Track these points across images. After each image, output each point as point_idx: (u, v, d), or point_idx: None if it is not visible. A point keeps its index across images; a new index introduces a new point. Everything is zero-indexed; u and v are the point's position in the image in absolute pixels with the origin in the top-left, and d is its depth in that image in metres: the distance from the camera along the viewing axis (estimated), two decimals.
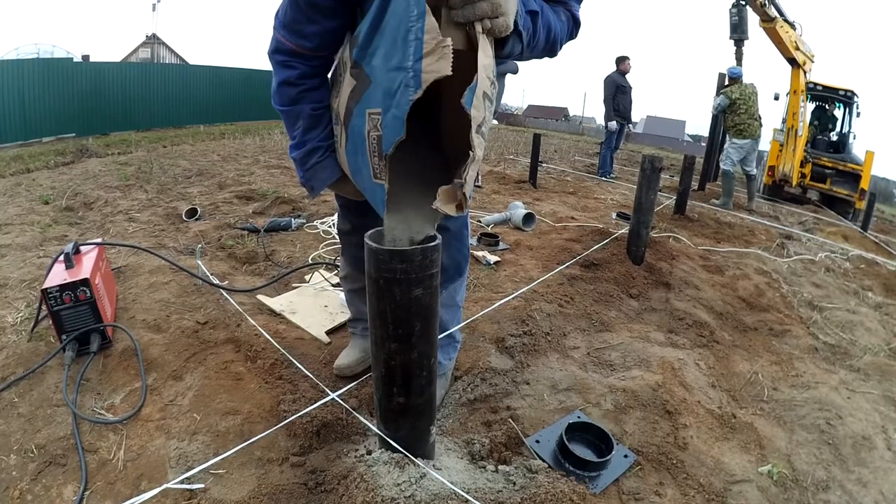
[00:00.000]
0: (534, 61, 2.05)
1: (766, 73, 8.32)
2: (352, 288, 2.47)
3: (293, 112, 1.80)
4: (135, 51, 36.11)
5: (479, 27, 1.33)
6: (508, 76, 2.12)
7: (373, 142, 1.53)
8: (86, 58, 20.36)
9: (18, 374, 2.23)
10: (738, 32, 7.89)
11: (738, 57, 8.21)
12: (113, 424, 2.03)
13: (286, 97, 1.78)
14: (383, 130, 1.45)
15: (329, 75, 1.85)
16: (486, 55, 1.35)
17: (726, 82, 8.54)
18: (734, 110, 8.13)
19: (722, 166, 8.40)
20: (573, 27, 1.81)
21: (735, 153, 8.23)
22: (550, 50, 1.74)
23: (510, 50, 1.50)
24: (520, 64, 2.08)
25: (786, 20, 8.18)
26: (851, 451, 2.37)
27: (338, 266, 3.51)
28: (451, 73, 1.31)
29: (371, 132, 1.52)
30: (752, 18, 7.92)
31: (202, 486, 1.77)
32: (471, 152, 1.35)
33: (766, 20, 7.95)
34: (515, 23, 1.41)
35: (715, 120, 10.36)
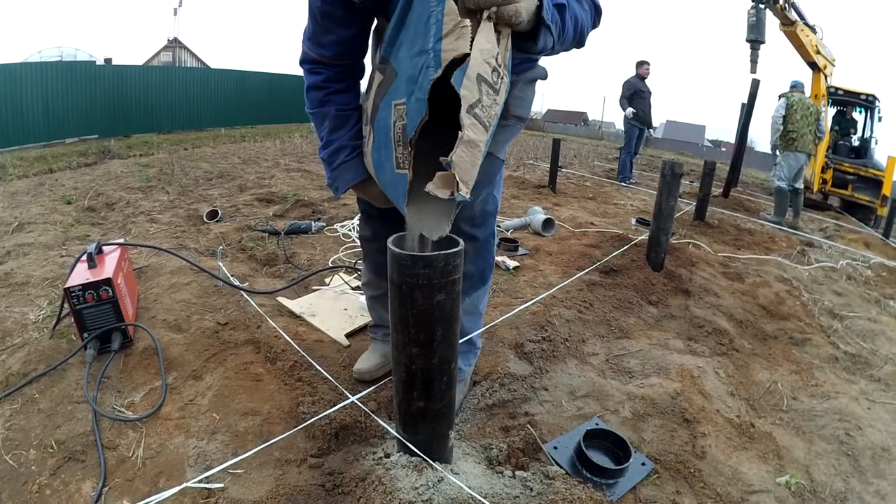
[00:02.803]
0: (550, 61, 2.05)
1: (785, 78, 8.10)
2: (373, 294, 2.48)
3: (320, 114, 1.88)
4: (157, 54, 36.47)
5: (485, 14, 1.33)
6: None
7: (398, 132, 1.55)
8: (108, 61, 20.58)
9: (40, 371, 2.26)
10: (755, 34, 7.76)
11: (754, 60, 8.07)
12: (133, 422, 2.05)
13: (314, 100, 1.88)
14: (408, 116, 1.48)
15: (363, 81, 1.91)
16: (486, 40, 1.34)
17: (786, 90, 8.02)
18: (788, 117, 7.60)
19: (776, 183, 7.81)
20: (595, 15, 1.81)
21: (787, 167, 7.72)
22: (579, 41, 1.74)
23: (543, 45, 1.49)
24: (542, 61, 2.08)
25: (806, 23, 8.10)
26: (871, 462, 2.34)
27: (358, 269, 3.52)
28: (469, 51, 1.32)
29: (397, 122, 1.54)
30: (770, 23, 7.82)
31: (221, 485, 1.78)
32: (460, 132, 1.34)
33: (787, 23, 7.87)
34: (542, 18, 1.41)
35: (744, 126, 10.25)
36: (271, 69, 21.01)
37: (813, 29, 8.34)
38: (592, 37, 1.83)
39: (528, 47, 1.51)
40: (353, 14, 1.68)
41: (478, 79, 1.35)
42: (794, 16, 7.83)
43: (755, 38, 7.80)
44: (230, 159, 9.39)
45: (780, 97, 7.80)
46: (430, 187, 1.40)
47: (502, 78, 1.44)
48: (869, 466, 2.31)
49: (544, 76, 2.09)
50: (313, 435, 2.03)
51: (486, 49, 1.34)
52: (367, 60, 1.94)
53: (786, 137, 7.70)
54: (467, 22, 1.31)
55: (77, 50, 30.37)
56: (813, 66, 8.74)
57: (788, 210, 7.82)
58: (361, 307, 3.10)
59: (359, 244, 4.28)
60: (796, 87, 7.95)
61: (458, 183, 1.37)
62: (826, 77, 9.00)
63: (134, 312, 2.70)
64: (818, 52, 8.51)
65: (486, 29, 1.35)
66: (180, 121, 15.71)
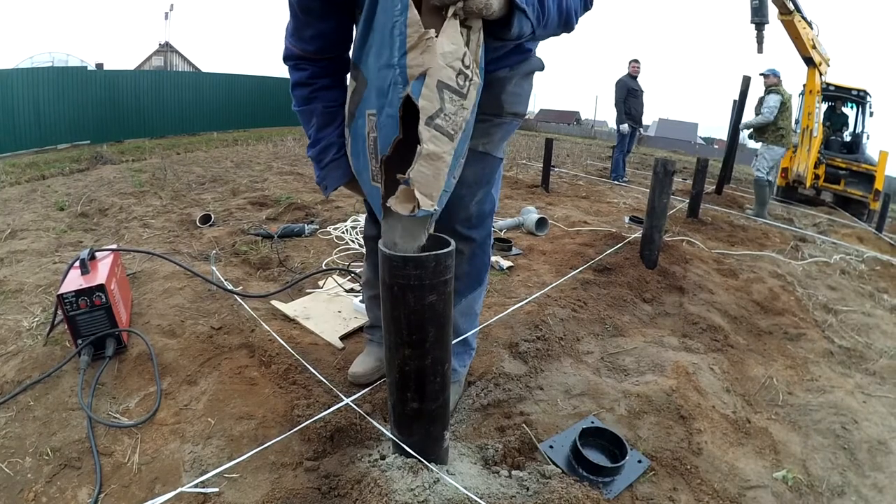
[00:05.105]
0: (544, 56, 2.02)
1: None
2: (372, 294, 2.45)
3: (307, 111, 1.86)
4: (148, 59, 36.35)
5: (450, 11, 1.30)
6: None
7: (371, 144, 1.52)
8: (100, 66, 20.43)
9: (34, 378, 2.25)
10: (759, 16, 7.81)
11: (759, 41, 8.12)
12: (128, 428, 2.04)
13: (300, 97, 1.86)
14: (379, 131, 1.45)
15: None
16: (450, 41, 1.31)
17: (766, 83, 8.07)
18: (782, 112, 7.74)
19: (756, 174, 7.96)
20: None
21: (771, 160, 7.89)
22: (566, 24, 1.66)
23: (519, 31, 1.43)
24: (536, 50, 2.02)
25: (803, 17, 8.14)
26: (867, 455, 2.34)
27: (351, 272, 3.51)
28: (435, 68, 1.29)
29: (370, 133, 1.51)
30: (773, 9, 7.87)
31: (216, 489, 1.78)
32: (419, 146, 1.32)
33: (785, 13, 7.91)
34: (515, 2, 1.36)
35: (736, 123, 10.29)
36: (263, 72, 21.00)
37: (810, 24, 8.37)
38: (588, 35, 1.79)
39: (501, 34, 1.46)
40: (330, 6, 1.65)
41: (438, 87, 1.32)
42: (791, 5, 7.86)
43: (759, 20, 7.86)
44: (223, 163, 9.37)
45: (770, 92, 7.78)
46: (392, 202, 1.39)
47: (471, 79, 1.40)
48: (866, 460, 2.32)
49: (541, 67, 2.03)
50: (308, 438, 2.03)
51: (449, 52, 1.31)
52: None
53: (775, 133, 7.82)
54: (432, 33, 1.28)
55: (68, 55, 30.37)
56: (808, 61, 8.76)
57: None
58: (356, 310, 3.10)
59: (352, 246, 4.30)
60: (777, 75, 7.99)
61: (419, 198, 1.35)
62: (821, 74, 9.02)
63: (128, 318, 2.69)
64: (814, 48, 8.54)
65: (451, 28, 1.31)
66: (172, 125, 15.66)
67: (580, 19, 1.75)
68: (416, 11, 1.28)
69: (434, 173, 1.37)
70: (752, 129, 8.09)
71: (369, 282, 2.44)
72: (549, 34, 1.66)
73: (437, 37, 1.29)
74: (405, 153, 1.41)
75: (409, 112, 1.35)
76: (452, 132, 1.39)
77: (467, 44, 1.36)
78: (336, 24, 1.72)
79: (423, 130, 1.32)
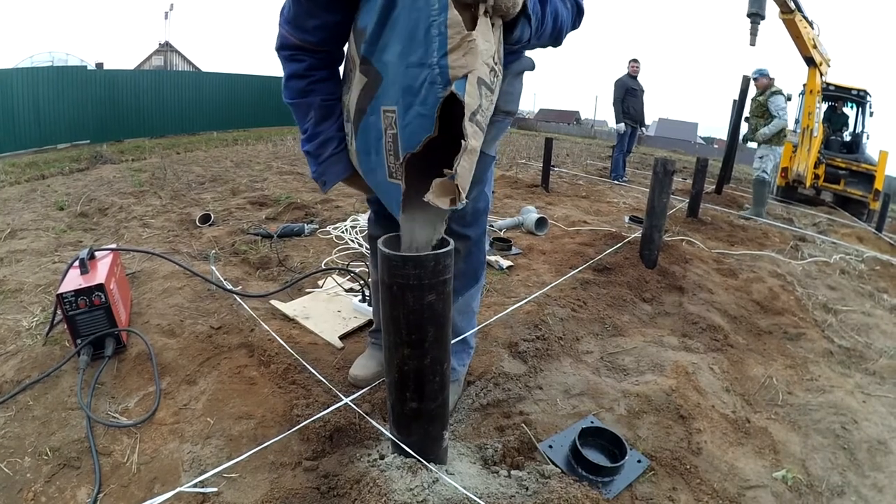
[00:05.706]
0: (542, 61, 2.02)
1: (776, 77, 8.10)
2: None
3: (303, 104, 1.79)
4: (148, 58, 36.30)
5: (481, 9, 1.30)
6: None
7: (389, 140, 1.51)
8: (99, 65, 20.41)
9: (33, 378, 2.25)
10: (756, 7, 7.84)
11: (753, 34, 8.16)
12: (127, 428, 2.04)
13: (295, 90, 1.78)
14: (405, 128, 1.44)
15: (341, 69, 1.83)
16: (484, 39, 1.31)
17: (755, 84, 8.22)
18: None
19: (761, 175, 7.82)
20: (577, 15, 1.78)
21: (775, 160, 7.97)
22: (556, 38, 1.71)
23: (519, 35, 1.46)
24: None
25: (804, 16, 8.15)
26: (867, 455, 2.34)
27: (351, 271, 3.51)
28: (478, 67, 1.29)
29: (388, 130, 1.50)
30: (771, 14, 7.88)
31: (215, 489, 1.78)
32: (463, 141, 1.32)
33: (786, 11, 7.93)
34: (525, 6, 1.38)
35: (736, 122, 10.29)
36: (263, 72, 21.03)
37: (811, 24, 8.37)
38: (588, 35, 1.80)
39: (503, 37, 1.46)
40: None
41: (478, 83, 1.32)
42: (792, 4, 7.88)
43: (756, 12, 7.88)
44: (222, 163, 9.37)
45: (772, 94, 7.82)
46: (430, 197, 1.36)
47: (498, 76, 1.42)
48: (865, 460, 2.32)
49: (532, 67, 2.03)
50: (307, 438, 2.03)
51: (485, 50, 1.31)
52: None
53: (781, 133, 7.85)
54: (473, 35, 1.27)
55: (68, 55, 30.34)
56: (809, 61, 8.76)
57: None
58: (355, 309, 3.10)
59: (351, 246, 4.29)
60: (767, 75, 8.11)
61: (459, 192, 1.35)
62: (821, 74, 9.02)
63: (127, 318, 2.69)
64: (815, 47, 8.55)
65: (484, 26, 1.31)
66: (172, 125, 15.65)
67: (567, 36, 1.79)
68: (456, 12, 1.27)
69: (470, 167, 1.37)
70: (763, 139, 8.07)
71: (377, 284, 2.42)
72: (539, 45, 1.70)
73: (476, 40, 1.29)
74: (428, 150, 1.40)
75: (444, 110, 1.35)
76: (485, 126, 1.41)
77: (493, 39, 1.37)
78: (342, 18, 1.64)
79: (468, 126, 1.31)
